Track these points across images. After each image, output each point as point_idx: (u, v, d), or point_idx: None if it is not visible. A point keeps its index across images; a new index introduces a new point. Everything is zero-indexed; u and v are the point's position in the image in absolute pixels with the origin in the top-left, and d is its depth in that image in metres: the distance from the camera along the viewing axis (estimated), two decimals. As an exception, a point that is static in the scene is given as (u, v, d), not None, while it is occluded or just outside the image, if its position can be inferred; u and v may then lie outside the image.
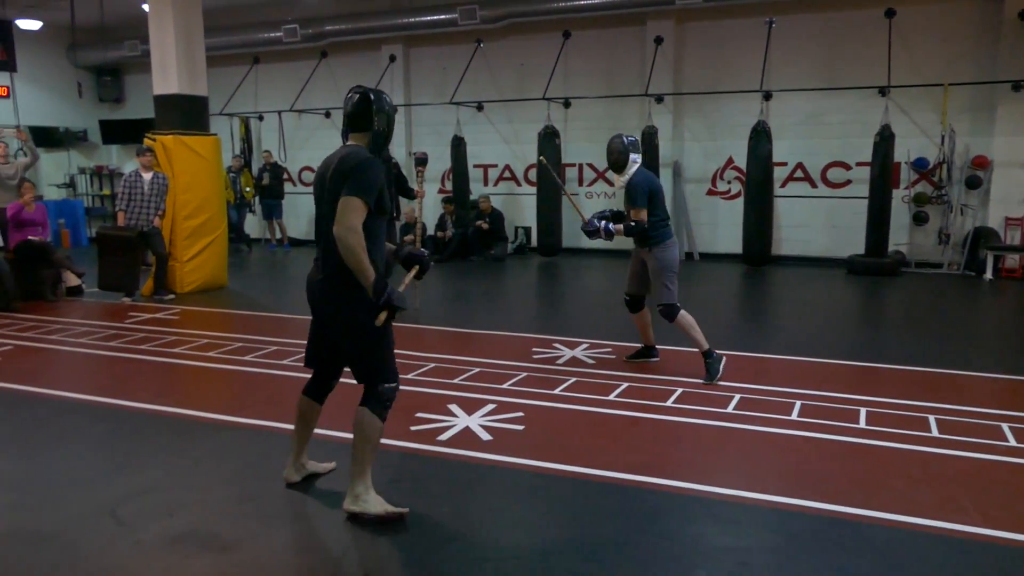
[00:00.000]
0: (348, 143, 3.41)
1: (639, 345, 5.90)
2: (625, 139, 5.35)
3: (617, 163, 5.36)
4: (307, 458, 3.75)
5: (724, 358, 5.49)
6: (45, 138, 15.63)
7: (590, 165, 13.09)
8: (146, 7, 9.51)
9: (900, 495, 3.48)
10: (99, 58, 15.44)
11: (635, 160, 5.33)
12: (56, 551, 3.03)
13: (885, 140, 10.48)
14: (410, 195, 7.76)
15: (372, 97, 3.37)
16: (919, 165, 11.00)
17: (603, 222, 5.48)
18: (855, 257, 10.82)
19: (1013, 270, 10.33)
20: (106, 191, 16.73)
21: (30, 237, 8.70)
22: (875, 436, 4.22)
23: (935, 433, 4.26)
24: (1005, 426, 4.36)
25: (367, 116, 3.35)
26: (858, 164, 11.37)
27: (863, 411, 4.63)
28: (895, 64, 10.82)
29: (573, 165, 13.08)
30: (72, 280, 9.12)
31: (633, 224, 5.31)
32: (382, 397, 3.30)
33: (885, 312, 8.60)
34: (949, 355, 6.05)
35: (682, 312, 5.34)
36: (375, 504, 3.27)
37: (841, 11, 11.35)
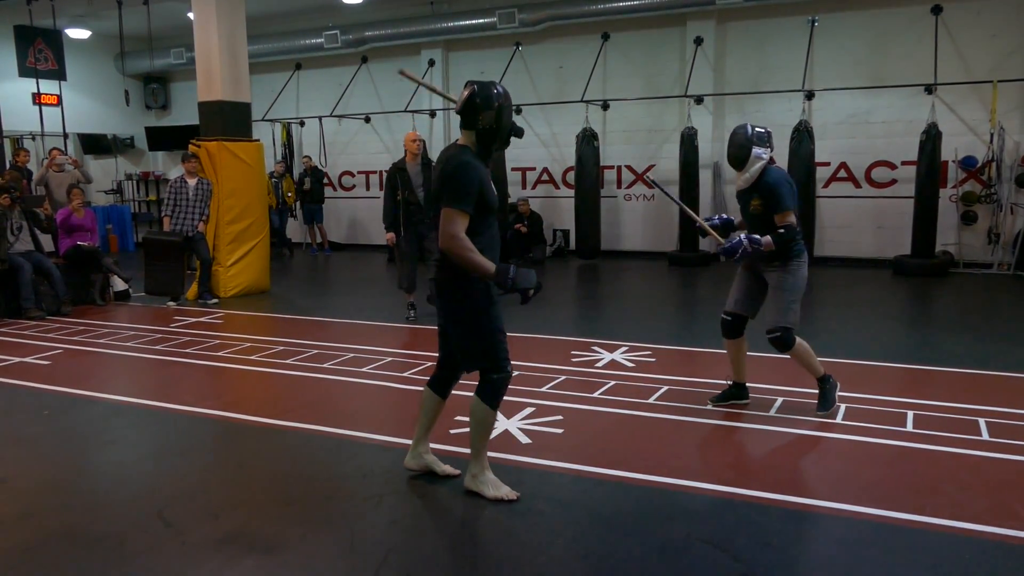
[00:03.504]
0: (457, 139, 3.44)
1: (725, 383, 4.94)
2: (749, 129, 4.49)
3: (736, 157, 4.51)
4: (426, 449, 3.80)
5: (838, 384, 4.67)
6: (93, 145, 16.07)
7: (628, 167, 13.03)
8: (191, 16, 9.71)
9: (951, 500, 3.40)
10: (146, 66, 15.80)
11: (760, 155, 4.44)
12: (105, 552, 3.09)
13: (932, 139, 10.26)
14: None
15: (477, 92, 3.34)
16: (967, 164, 10.74)
17: (742, 236, 4.42)
18: (902, 258, 10.60)
19: (1067, 270, 10.03)
20: (152, 197, 17.10)
21: (79, 242, 8.93)
22: (923, 440, 4.12)
23: (986, 436, 4.15)
24: (1060, 431, 4.24)
25: (472, 113, 3.35)
26: (904, 163, 11.14)
27: (910, 414, 4.53)
28: (942, 61, 10.59)
29: (612, 167, 13.03)
30: (120, 284, 9.33)
31: (782, 231, 4.37)
32: (493, 386, 3.41)
33: (933, 313, 8.41)
34: (999, 357, 5.88)
35: (799, 339, 4.52)
36: (490, 486, 3.50)
37: (885, 8, 11.15)
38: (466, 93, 3.37)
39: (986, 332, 7.00)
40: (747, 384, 4.81)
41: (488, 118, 3.35)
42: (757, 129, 4.50)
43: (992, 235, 10.57)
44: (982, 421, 4.38)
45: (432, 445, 4.04)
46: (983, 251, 10.76)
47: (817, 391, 4.61)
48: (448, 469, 3.77)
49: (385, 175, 7.73)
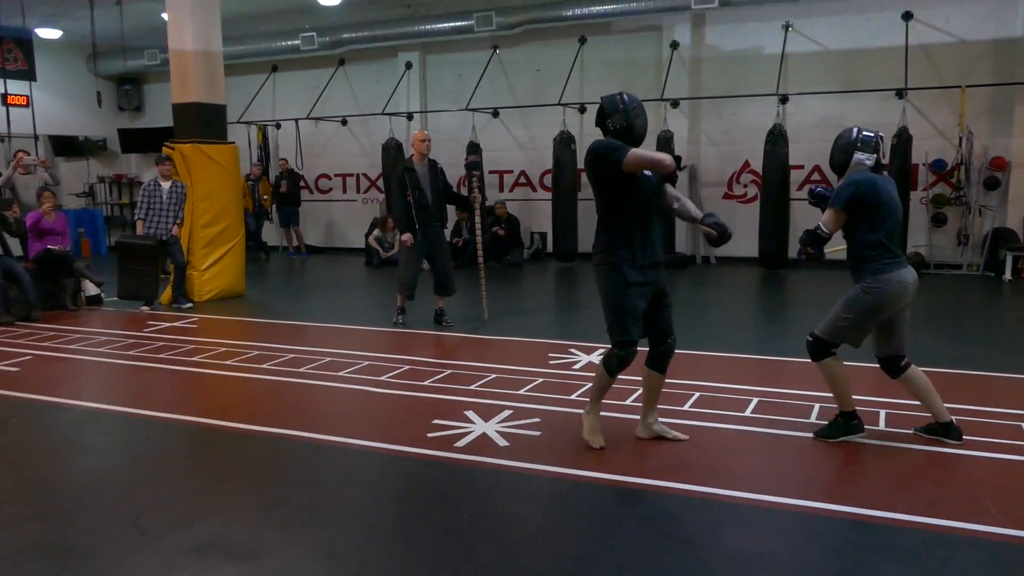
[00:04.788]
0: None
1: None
2: (855, 132, 4.08)
3: (836, 163, 4.16)
4: (654, 420, 4.26)
5: (863, 433, 4.17)
6: (64, 147, 15.85)
7: (605, 170, 13.06)
8: (165, 16, 9.61)
9: (924, 497, 3.45)
10: (118, 67, 15.63)
11: (861, 160, 4.03)
12: (78, 562, 3.05)
13: (903, 142, 10.42)
14: (462, 202, 7.59)
15: (603, 103, 3.99)
16: (937, 167, 10.92)
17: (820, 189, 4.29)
18: (874, 260, 10.73)
19: (1033, 271, 10.24)
20: (125, 200, 16.90)
21: (50, 246, 8.79)
22: (896, 438, 4.18)
23: (958, 436, 4.22)
24: (1029, 429, 4.32)
25: (603, 120, 3.98)
26: (876, 166, 11.28)
27: (883, 413, 4.59)
28: (912, 66, 10.75)
29: (588, 170, 13.06)
30: (92, 289, 9.20)
31: (812, 230, 4.11)
32: (612, 358, 4.02)
33: (905, 315, 8.52)
34: (969, 356, 5.99)
35: (834, 358, 4.15)
36: (587, 429, 4.16)
37: (858, 14, 11.30)
38: (598, 108, 4.02)
39: (957, 332, 7.11)
40: (955, 422, 4.14)
41: (617, 120, 3.93)
42: (865, 133, 4.07)
43: (961, 237, 10.76)
44: (953, 419, 4.44)
45: (410, 449, 4.05)
46: (953, 252, 10.94)
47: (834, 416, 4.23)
48: (678, 435, 4.23)
49: (394, 177, 7.43)
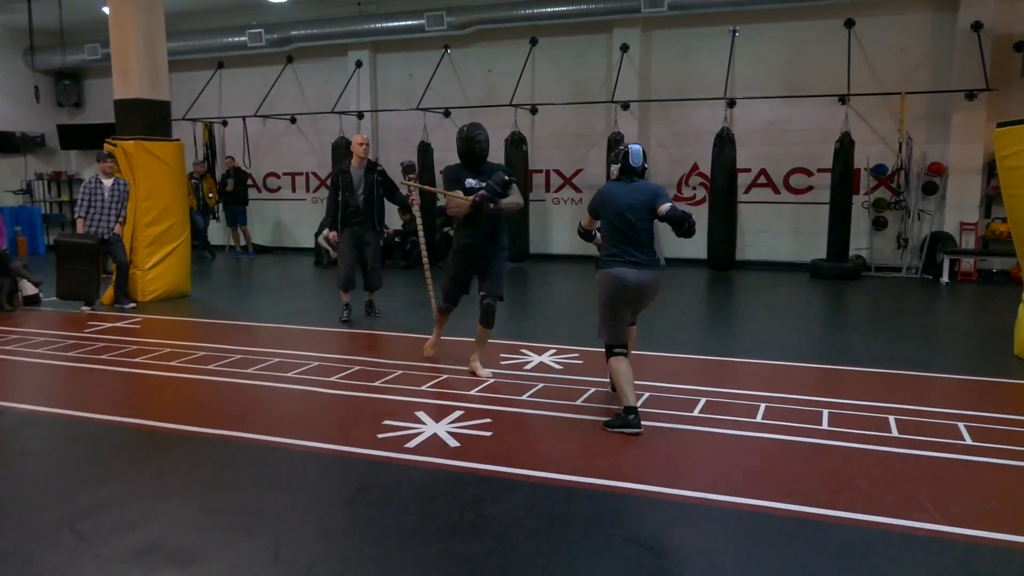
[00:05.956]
0: None
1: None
2: (620, 149, 4.68)
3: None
4: (475, 358, 5.70)
5: (638, 432, 4.35)
6: (0, 143, 15.32)
7: (557, 171, 13.14)
8: (107, 10, 9.37)
9: (863, 495, 3.54)
10: (58, 61, 15.16)
11: (613, 171, 4.69)
12: (13, 569, 2.95)
13: (845, 147, 10.70)
14: (401, 202, 7.81)
15: (457, 134, 5.41)
16: (878, 171, 11.23)
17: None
18: (818, 261, 11.00)
19: (968, 273, 10.61)
20: (64, 197, 16.42)
21: (-16, 245, 8.50)
22: (837, 437, 4.29)
23: (895, 433, 4.35)
24: (961, 425, 4.47)
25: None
26: (819, 170, 11.56)
27: (825, 412, 4.70)
28: (854, 73, 11.05)
29: (540, 171, 13.13)
30: (29, 289, 8.92)
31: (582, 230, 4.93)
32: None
33: (847, 315, 8.76)
34: (908, 357, 6.17)
35: (616, 358, 4.52)
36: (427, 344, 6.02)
37: (802, 21, 11.56)
38: None
39: (895, 333, 7.32)
40: (638, 403, 4.54)
41: (460, 146, 5.41)
42: (620, 148, 4.66)
43: (901, 240, 11.09)
44: (892, 418, 4.58)
45: (360, 450, 4.01)
46: (893, 255, 11.26)
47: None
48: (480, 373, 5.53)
49: (331, 177, 7.80)
